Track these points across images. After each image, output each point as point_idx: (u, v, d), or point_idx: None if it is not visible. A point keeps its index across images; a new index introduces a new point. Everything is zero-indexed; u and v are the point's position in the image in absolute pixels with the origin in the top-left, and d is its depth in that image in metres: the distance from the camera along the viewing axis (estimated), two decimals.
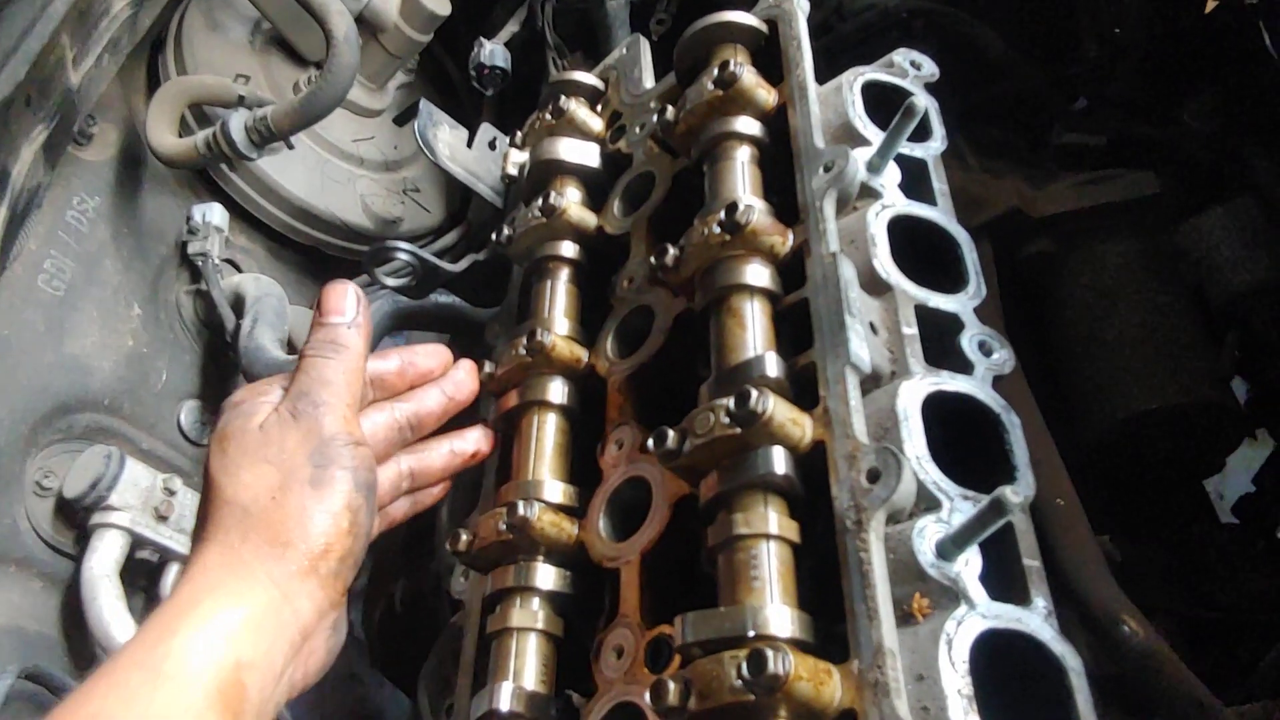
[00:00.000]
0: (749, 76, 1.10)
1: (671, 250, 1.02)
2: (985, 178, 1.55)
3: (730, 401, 0.83)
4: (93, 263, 1.56)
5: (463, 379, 1.09)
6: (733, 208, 0.97)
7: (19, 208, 1.15)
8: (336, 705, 1.59)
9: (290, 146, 1.61)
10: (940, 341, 0.97)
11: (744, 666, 0.69)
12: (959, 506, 0.82)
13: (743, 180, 1.07)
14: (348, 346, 0.95)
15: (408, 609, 1.87)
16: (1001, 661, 0.76)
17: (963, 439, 0.90)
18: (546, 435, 1.11)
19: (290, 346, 1.63)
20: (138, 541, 1.42)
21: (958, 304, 0.99)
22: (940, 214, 1.06)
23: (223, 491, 0.86)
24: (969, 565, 0.79)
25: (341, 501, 0.87)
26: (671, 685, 0.73)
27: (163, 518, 1.45)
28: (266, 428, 0.89)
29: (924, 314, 0.97)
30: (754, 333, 0.94)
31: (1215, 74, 1.54)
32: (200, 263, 1.68)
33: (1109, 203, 1.42)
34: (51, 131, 1.19)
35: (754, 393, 0.82)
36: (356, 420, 0.94)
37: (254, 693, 0.79)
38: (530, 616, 0.98)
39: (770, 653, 0.68)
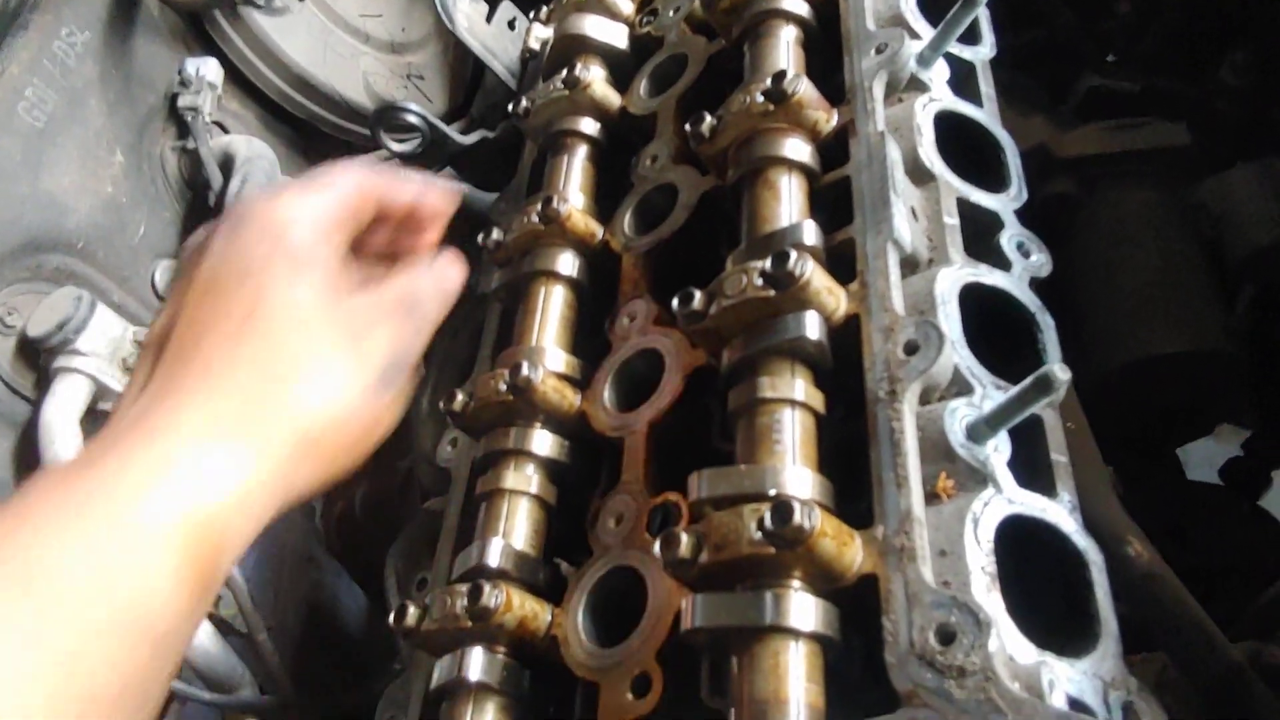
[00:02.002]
0: None
1: (709, 119, 0.97)
2: (1012, 114, 1.52)
3: (766, 263, 0.79)
4: (77, 100, 1.47)
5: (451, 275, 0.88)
6: (780, 76, 0.92)
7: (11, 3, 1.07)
8: (292, 586, 1.54)
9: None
10: (978, 241, 0.94)
11: (767, 518, 0.66)
12: (991, 394, 0.79)
13: (787, 59, 1.03)
14: None
15: (367, 514, 1.83)
16: (1013, 563, 0.74)
17: (989, 348, 0.87)
18: (553, 306, 1.06)
19: None
20: (101, 391, 1.35)
21: (999, 203, 0.95)
22: (986, 116, 1.02)
23: (267, 308, 0.72)
24: (998, 451, 0.76)
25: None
26: (684, 537, 0.70)
27: (130, 370, 1.38)
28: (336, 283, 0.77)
29: (964, 209, 0.93)
30: (790, 205, 0.90)
31: (1249, 36, 1.52)
32: (190, 118, 1.59)
33: (1136, 149, 1.40)
34: None
35: (793, 254, 0.78)
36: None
37: (221, 572, 0.67)
38: (524, 480, 0.94)
39: (797, 505, 0.65)
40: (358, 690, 1.43)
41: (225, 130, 1.72)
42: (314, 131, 1.85)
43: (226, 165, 1.57)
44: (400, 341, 0.80)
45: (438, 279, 0.85)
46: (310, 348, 0.74)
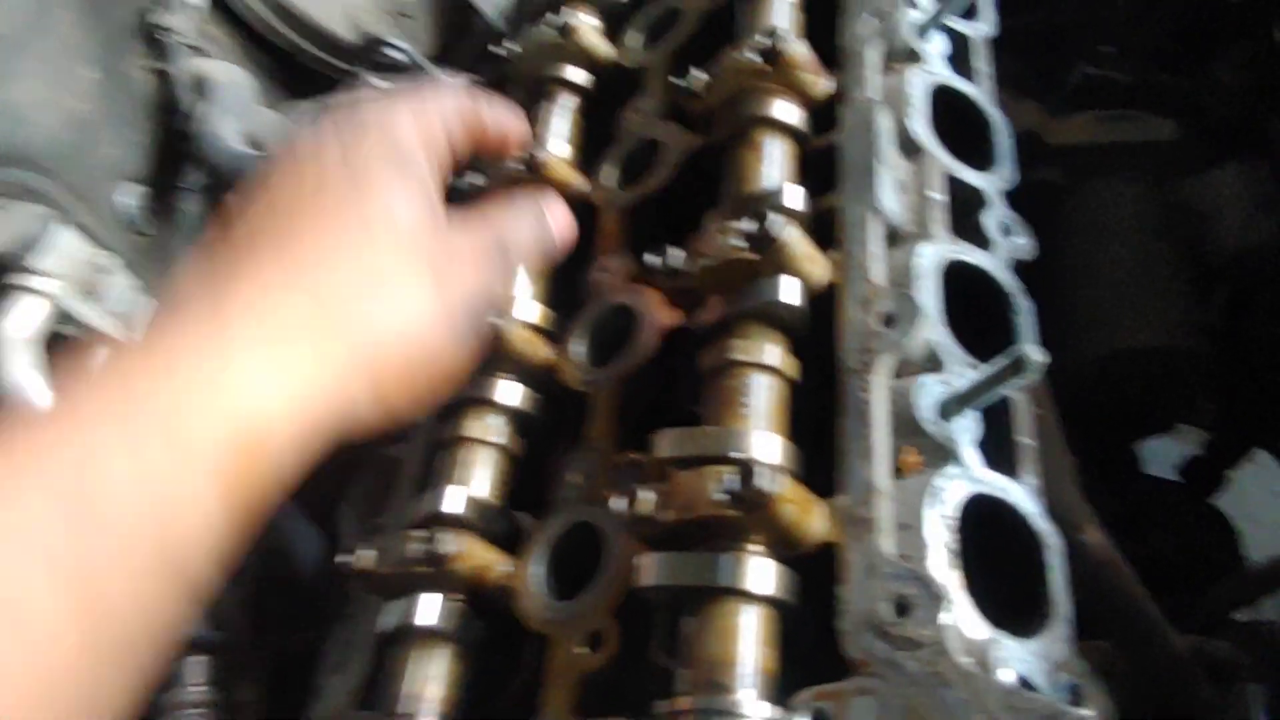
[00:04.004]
0: None
1: (700, 74, 0.95)
2: (1004, 99, 1.50)
3: (747, 224, 0.78)
4: (45, 8, 1.41)
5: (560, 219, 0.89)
6: (774, 35, 0.90)
7: None
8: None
9: None
10: (962, 219, 0.93)
11: (731, 480, 0.65)
12: (963, 372, 0.78)
13: (784, 19, 1.00)
14: None
15: (327, 459, 1.80)
16: (972, 541, 0.74)
17: (964, 327, 0.87)
18: None
19: (254, 144, 1.51)
20: (61, 315, 1.31)
21: (986, 182, 0.94)
22: (980, 93, 1.01)
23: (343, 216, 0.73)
24: (966, 430, 0.76)
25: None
26: (646, 494, 0.69)
27: (91, 294, 1.34)
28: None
29: (950, 186, 0.92)
30: (774, 167, 0.89)
31: (1247, 33, 1.51)
32: (165, 37, 1.54)
33: (1127, 142, 1.39)
34: None
35: (774, 216, 0.77)
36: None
37: (264, 503, 0.65)
38: (488, 429, 0.92)
39: (761, 468, 0.64)
40: (308, 632, 1.42)
41: (203, 55, 1.67)
42: (295, 64, 1.80)
43: (200, 90, 1.52)
44: (483, 283, 0.80)
45: (536, 227, 0.85)
46: (395, 266, 0.74)
